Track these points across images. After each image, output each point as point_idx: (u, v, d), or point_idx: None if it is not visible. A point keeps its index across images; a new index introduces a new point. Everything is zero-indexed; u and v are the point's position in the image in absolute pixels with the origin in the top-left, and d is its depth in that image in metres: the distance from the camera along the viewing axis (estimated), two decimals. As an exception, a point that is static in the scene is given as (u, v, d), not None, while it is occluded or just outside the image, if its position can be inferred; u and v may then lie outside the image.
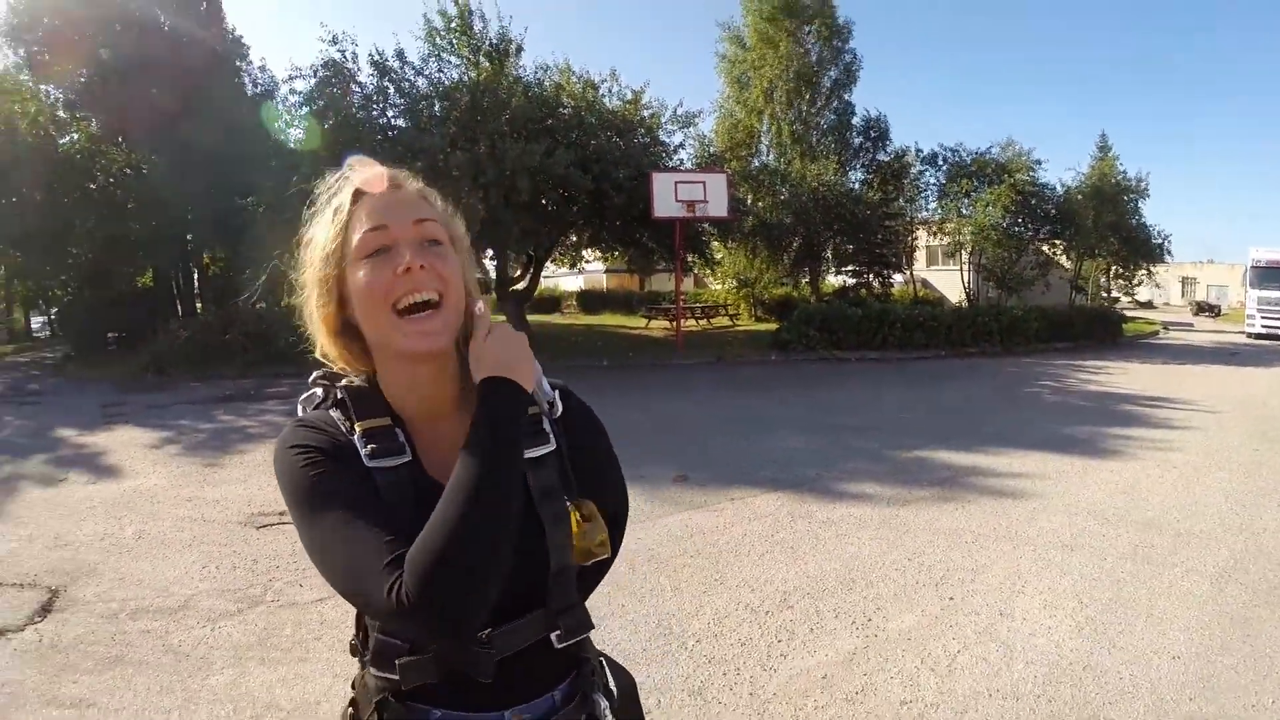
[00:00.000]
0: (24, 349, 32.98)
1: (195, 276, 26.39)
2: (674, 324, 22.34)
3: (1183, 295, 59.55)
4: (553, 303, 37.99)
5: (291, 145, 18.57)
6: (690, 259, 23.49)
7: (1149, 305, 57.48)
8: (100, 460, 8.69)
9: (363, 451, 1.02)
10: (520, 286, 21.69)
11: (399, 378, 1.09)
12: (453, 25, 18.96)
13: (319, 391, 1.13)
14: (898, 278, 30.19)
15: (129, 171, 22.25)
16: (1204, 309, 50.70)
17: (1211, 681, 3.42)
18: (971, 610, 4.28)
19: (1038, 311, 21.83)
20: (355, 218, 1.05)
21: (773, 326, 22.70)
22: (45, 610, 4.55)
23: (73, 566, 5.25)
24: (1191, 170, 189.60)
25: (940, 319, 20.47)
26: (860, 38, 37.44)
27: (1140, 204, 27.44)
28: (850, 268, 28.51)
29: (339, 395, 1.09)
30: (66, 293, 35.47)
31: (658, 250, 21.92)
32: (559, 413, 1.18)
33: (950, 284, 29.91)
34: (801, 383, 14.94)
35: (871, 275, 28.21)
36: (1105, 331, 23.80)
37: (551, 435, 1.14)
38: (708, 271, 29.10)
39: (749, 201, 24.15)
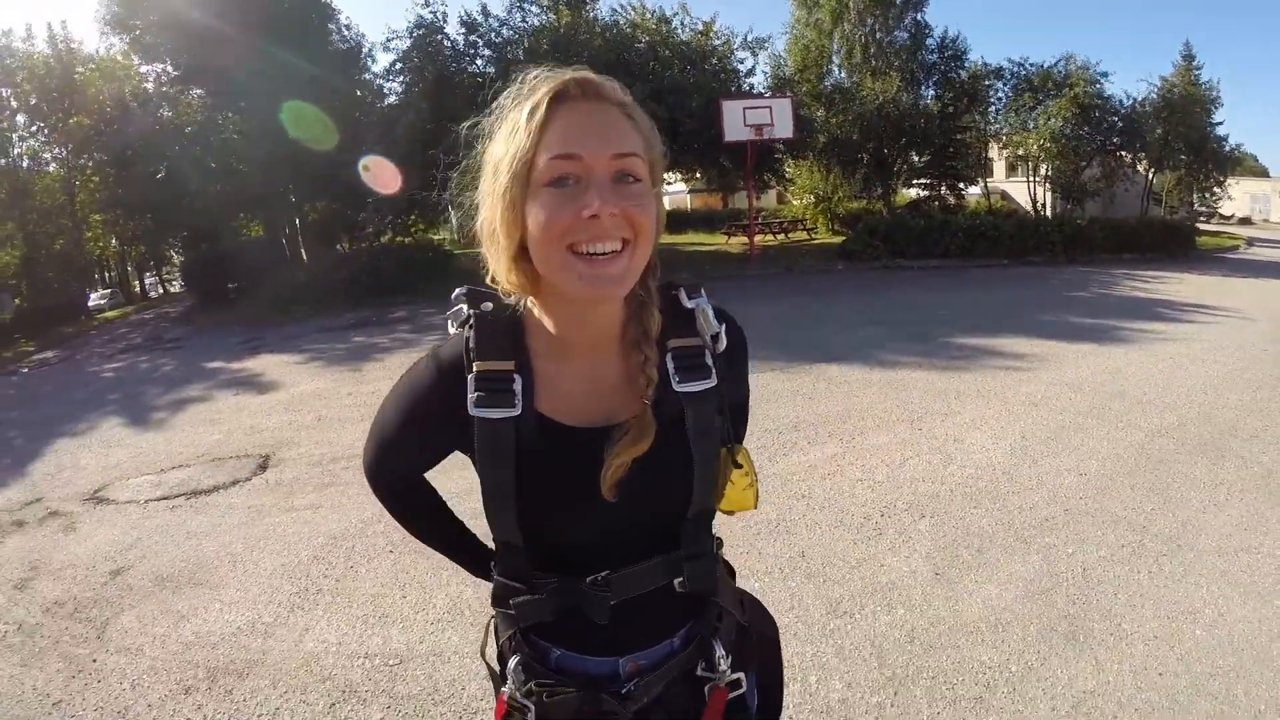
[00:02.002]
0: (143, 307, 35.96)
1: (298, 225, 28.39)
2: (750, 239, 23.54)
3: (1284, 210, 56.58)
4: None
5: (392, 99, 20.31)
6: (766, 177, 24.61)
7: (1247, 221, 55.09)
8: (261, 378, 10.64)
9: (470, 398, 0.99)
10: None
11: (566, 315, 1.03)
12: None
13: (463, 309, 1.07)
14: (973, 189, 30.51)
15: (237, 135, 24.21)
16: (1303, 224, 48.34)
17: (1106, 490, 4.69)
18: (932, 436, 5.76)
19: (1102, 222, 22.19)
20: (549, 130, 0.92)
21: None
22: (263, 467, 6.38)
23: (273, 441, 7.09)
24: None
25: (1002, 229, 21.10)
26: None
27: (1213, 114, 27.05)
28: (922, 180, 29.10)
29: (470, 321, 1.04)
30: (178, 253, 38.52)
31: (734, 170, 23.08)
32: (723, 346, 1.09)
33: (1025, 195, 30.14)
34: (861, 288, 16.21)
35: (944, 188, 28.72)
36: (1176, 245, 23.82)
37: (714, 370, 1.06)
38: (784, 188, 30.03)
39: (822, 120, 25.01)
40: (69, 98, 30.53)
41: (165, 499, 5.90)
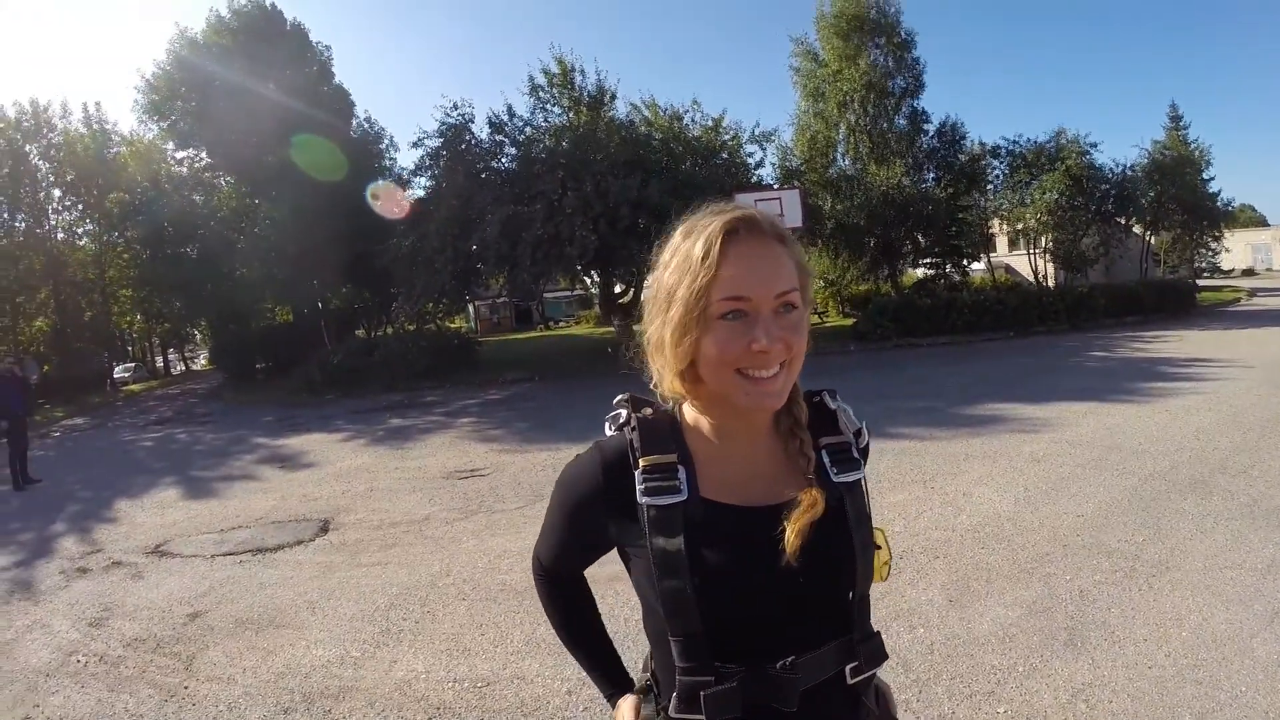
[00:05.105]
0: (167, 383, 36.87)
1: (320, 308, 29.25)
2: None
3: (1285, 258, 57.61)
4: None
5: (419, 193, 21.52)
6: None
7: (1251, 272, 56.16)
8: (305, 453, 11.21)
9: (639, 488, 1.08)
10: (625, 300, 24.12)
11: (725, 413, 1.13)
12: (554, 81, 21.73)
13: (622, 413, 1.18)
14: (976, 266, 31.40)
15: (268, 222, 25.34)
16: (1304, 271, 49.09)
17: (1101, 527, 5.17)
18: (943, 493, 6.25)
19: (1103, 288, 23.07)
20: (722, 269, 1.03)
21: (856, 320, 24.45)
22: (324, 530, 6.87)
23: (330, 508, 7.60)
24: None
25: (1007, 302, 21.92)
26: (923, 46, 38.19)
27: (1204, 172, 28.28)
28: (928, 260, 30.05)
29: (633, 424, 1.14)
30: (202, 331, 39.31)
31: (748, 260, 24.11)
32: (865, 441, 1.23)
33: (1028, 267, 30.98)
34: (874, 366, 16.89)
35: (949, 266, 29.64)
36: (1177, 303, 24.51)
37: (861, 463, 1.18)
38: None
39: (829, 207, 26.11)
40: (103, 175, 31.76)
41: (231, 554, 6.35)
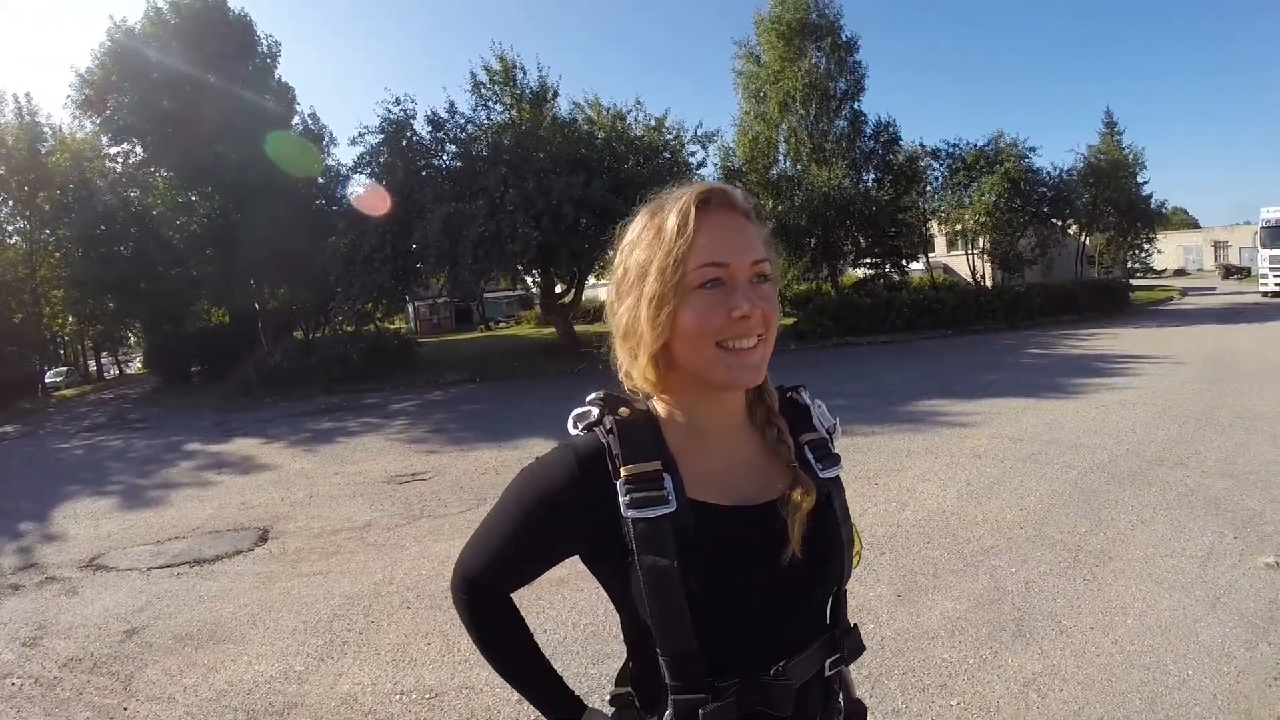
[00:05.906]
0: (101, 387, 35.59)
1: (257, 309, 28.60)
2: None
3: (1215, 259, 59.85)
4: (595, 312, 40.12)
5: (359, 190, 21.17)
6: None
7: (1182, 272, 58.50)
8: (243, 459, 10.89)
9: (622, 500, 1.01)
10: (566, 300, 23.95)
11: (698, 401, 1.08)
12: (496, 78, 21.63)
13: (594, 412, 1.10)
14: (915, 266, 32.00)
15: (206, 220, 24.60)
16: (1232, 271, 50.98)
17: (1044, 520, 5.29)
18: (887, 489, 6.33)
19: (1039, 288, 23.72)
20: (698, 238, 1.00)
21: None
22: (263, 539, 6.66)
23: (269, 515, 7.39)
24: (1225, 128, 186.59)
25: (945, 302, 22.45)
26: (867, 50, 38.94)
27: (1138, 177, 29.28)
28: (867, 260, 30.51)
29: (609, 426, 1.06)
30: (135, 334, 38.00)
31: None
32: (838, 436, 1.22)
33: (966, 268, 31.69)
34: (815, 364, 17.04)
35: (889, 266, 30.17)
36: (1111, 302, 25.32)
37: (840, 458, 1.16)
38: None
39: (770, 207, 26.35)
40: (34, 171, 30.38)
41: (168, 567, 6.11)
